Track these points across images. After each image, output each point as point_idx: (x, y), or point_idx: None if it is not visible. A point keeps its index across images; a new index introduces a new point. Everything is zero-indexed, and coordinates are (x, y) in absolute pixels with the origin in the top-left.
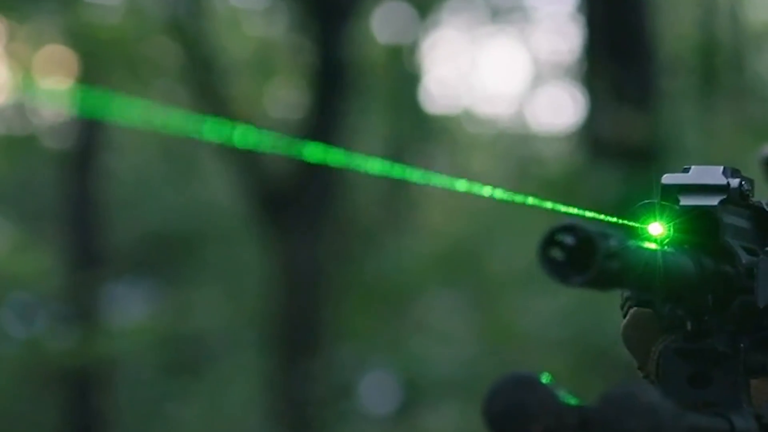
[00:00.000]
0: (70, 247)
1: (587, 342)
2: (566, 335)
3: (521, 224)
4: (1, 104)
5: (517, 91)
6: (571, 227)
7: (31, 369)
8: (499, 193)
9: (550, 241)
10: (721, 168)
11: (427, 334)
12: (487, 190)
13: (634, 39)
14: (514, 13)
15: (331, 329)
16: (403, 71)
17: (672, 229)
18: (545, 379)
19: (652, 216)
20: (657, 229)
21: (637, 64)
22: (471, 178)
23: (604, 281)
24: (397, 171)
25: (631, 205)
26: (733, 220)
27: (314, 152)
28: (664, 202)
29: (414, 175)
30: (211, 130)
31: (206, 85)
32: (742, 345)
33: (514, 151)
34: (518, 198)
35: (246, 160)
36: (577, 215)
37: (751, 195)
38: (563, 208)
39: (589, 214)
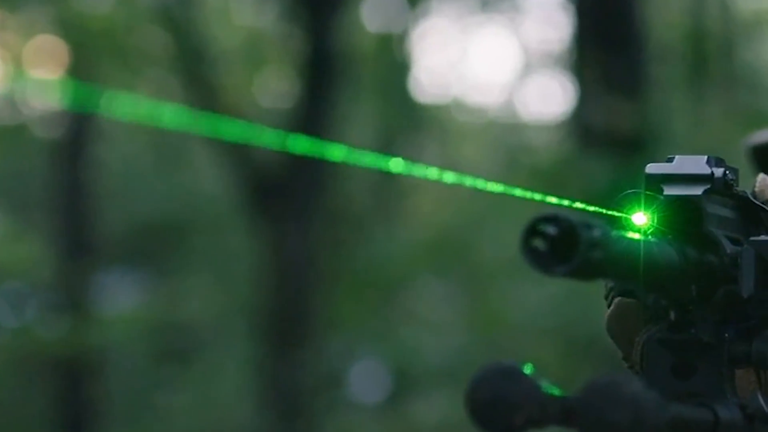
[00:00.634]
0: (61, 236)
1: (575, 331)
2: (555, 324)
3: (511, 213)
4: None
5: (507, 80)
6: (553, 217)
7: (22, 358)
8: (486, 184)
9: (532, 231)
10: (705, 157)
11: (417, 322)
12: (473, 181)
13: (623, 28)
14: (503, 2)
15: (321, 318)
16: (393, 60)
17: (656, 219)
18: (528, 369)
19: (636, 206)
20: (641, 219)
21: (627, 53)
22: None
23: (586, 271)
24: (385, 163)
25: (618, 194)
26: (717, 209)
27: (304, 145)
28: (648, 192)
29: (401, 167)
30: (202, 123)
31: (196, 74)
32: (726, 335)
33: (503, 140)
34: (500, 188)
35: (236, 149)
36: (561, 205)
37: (735, 184)
38: (550, 198)
39: (572, 203)
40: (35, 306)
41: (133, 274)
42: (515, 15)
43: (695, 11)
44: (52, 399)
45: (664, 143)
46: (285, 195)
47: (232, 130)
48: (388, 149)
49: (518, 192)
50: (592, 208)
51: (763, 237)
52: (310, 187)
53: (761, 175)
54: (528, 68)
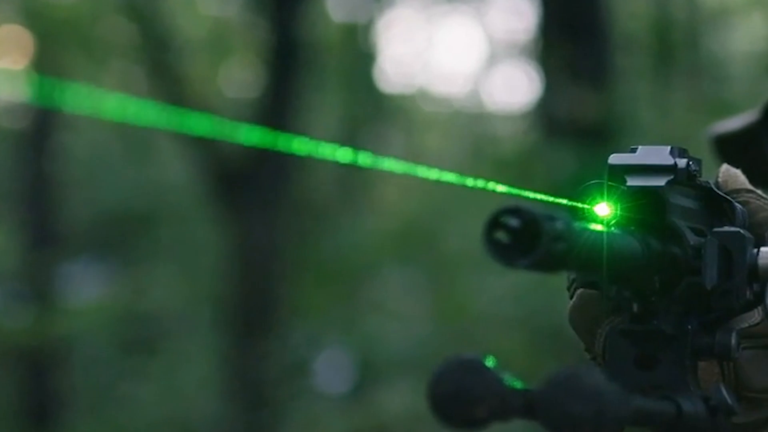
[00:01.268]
0: (26, 226)
1: (541, 321)
2: (520, 314)
3: (476, 203)
4: None
5: (472, 70)
6: (515, 210)
7: None
8: (450, 176)
9: (494, 223)
10: (669, 148)
11: (382, 312)
12: (437, 173)
13: (588, 17)
14: None
15: (286, 308)
16: (358, 50)
17: (619, 210)
18: (490, 362)
19: (599, 197)
20: (604, 210)
21: (592, 43)
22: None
23: (549, 264)
24: (350, 156)
25: (581, 184)
26: (680, 200)
27: (269, 137)
28: (610, 183)
29: (367, 158)
30: (166, 116)
31: (161, 64)
32: (689, 327)
33: (469, 130)
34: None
35: (201, 140)
36: (524, 196)
37: (698, 175)
38: (515, 189)
39: (536, 194)
40: (0, 296)
41: (98, 264)
42: (480, 5)
43: (660, 1)
44: (17, 389)
45: (630, 133)
46: (250, 185)
47: (197, 122)
48: (353, 139)
49: (483, 182)
50: (555, 199)
51: (726, 228)
52: (275, 177)
53: (724, 166)
54: (493, 58)
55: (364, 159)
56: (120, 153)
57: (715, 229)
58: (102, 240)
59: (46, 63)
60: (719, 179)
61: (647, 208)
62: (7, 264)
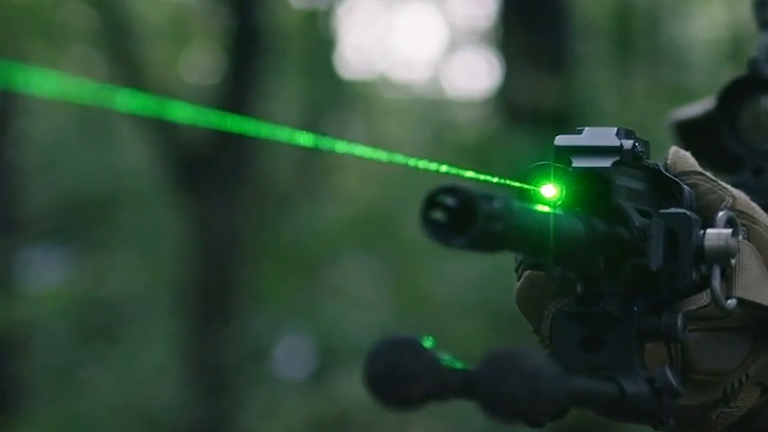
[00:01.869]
0: None
1: (501, 307)
2: (479, 301)
3: None
4: None
5: (433, 57)
6: (451, 189)
7: None
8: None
9: (431, 202)
10: (615, 129)
11: (343, 298)
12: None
13: (548, 3)
14: None
15: (246, 294)
16: (318, 37)
17: (564, 192)
18: (428, 342)
19: (545, 178)
20: (550, 192)
21: (552, 29)
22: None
23: (487, 243)
24: (310, 140)
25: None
26: (626, 182)
27: (229, 122)
28: (557, 165)
29: (327, 143)
30: (127, 100)
31: (122, 50)
32: (635, 308)
33: (429, 117)
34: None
35: (161, 125)
36: (470, 178)
37: (645, 157)
38: (474, 174)
39: (481, 176)
40: None
41: (58, 250)
42: None
43: None
44: None
45: (590, 119)
46: (210, 171)
47: (157, 105)
48: (313, 126)
49: (444, 168)
50: (501, 180)
51: (672, 209)
52: (235, 162)
53: (673, 148)
54: (453, 44)
55: (324, 143)
56: (80, 139)
57: (661, 211)
58: (62, 226)
59: (5, 48)
60: (668, 161)
61: (593, 190)
62: None
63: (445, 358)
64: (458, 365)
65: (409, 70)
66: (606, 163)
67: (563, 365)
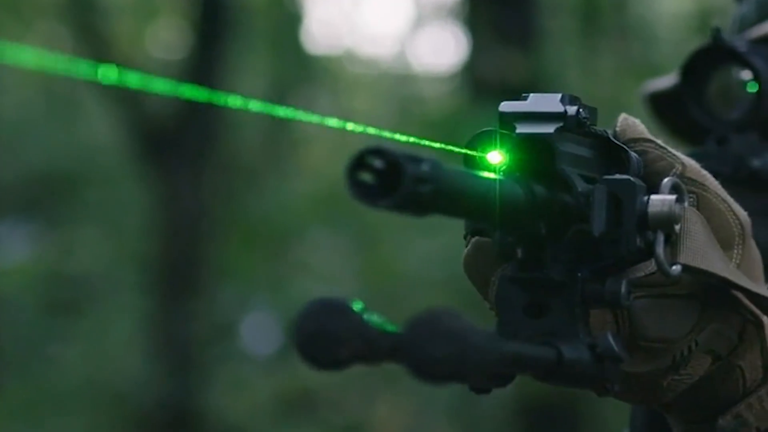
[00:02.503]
0: None
1: (466, 282)
2: (445, 275)
3: None
4: None
5: (400, 32)
6: (378, 150)
7: None
8: (374, 131)
9: (359, 164)
10: (560, 95)
11: (309, 274)
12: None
13: None
14: None
15: (213, 269)
16: (284, 11)
17: (508, 157)
18: (357, 305)
19: (490, 144)
20: (495, 158)
21: (519, 4)
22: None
23: (415, 205)
24: (277, 110)
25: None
26: (571, 148)
27: (196, 93)
28: (502, 131)
29: (294, 114)
30: (93, 72)
31: (88, 25)
32: (579, 275)
33: (396, 92)
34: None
35: (127, 99)
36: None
37: (592, 123)
38: (438, 146)
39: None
40: None
41: (24, 224)
42: None
43: None
44: None
45: None
46: (177, 145)
47: (124, 78)
48: (280, 101)
49: (410, 140)
50: (445, 146)
51: (616, 176)
52: (202, 137)
53: (623, 115)
54: (420, 19)
55: (289, 114)
56: (46, 114)
57: (605, 177)
58: (28, 200)
59: None
60: (617, 128)
61: (536, 156)
62: None
63: (375, 320)
64: (389, 328)
65: (375, 44)
66: (549, 129)
67: (509, 331)
